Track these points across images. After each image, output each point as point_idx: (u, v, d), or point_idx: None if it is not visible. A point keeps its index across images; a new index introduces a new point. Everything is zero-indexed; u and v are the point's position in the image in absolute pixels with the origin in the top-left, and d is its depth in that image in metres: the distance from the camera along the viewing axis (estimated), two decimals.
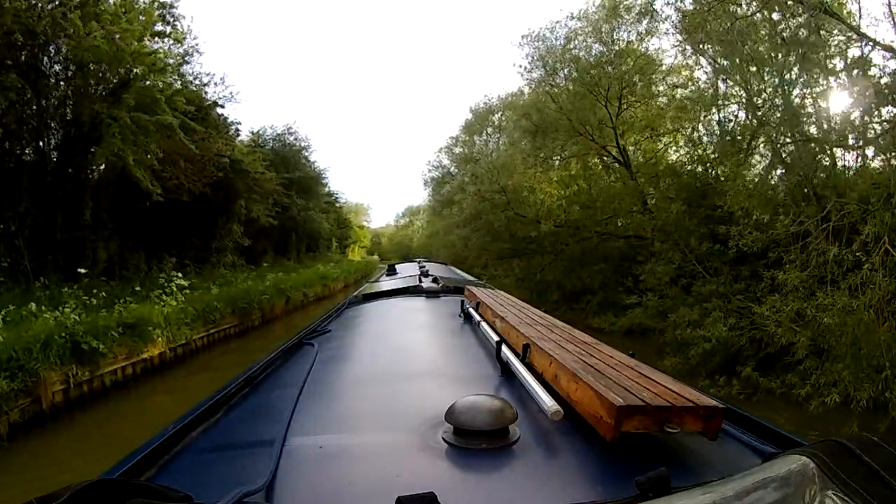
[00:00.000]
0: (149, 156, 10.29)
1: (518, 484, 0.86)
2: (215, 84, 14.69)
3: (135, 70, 10.16)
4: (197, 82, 14.07)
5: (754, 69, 7.97)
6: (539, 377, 1.23)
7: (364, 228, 48.54)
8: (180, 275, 10.36)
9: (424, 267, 6.49)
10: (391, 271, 6.79)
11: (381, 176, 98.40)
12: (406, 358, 1.80)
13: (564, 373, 1.12)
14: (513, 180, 13.57)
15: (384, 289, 3.75)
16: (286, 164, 21.89)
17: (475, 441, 0.93)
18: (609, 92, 11.37)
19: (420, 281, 4.10)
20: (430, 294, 3.25)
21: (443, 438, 0.96)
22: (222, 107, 15.23)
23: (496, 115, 26.25)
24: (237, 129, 17.17)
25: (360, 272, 27.84)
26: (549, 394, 1.09)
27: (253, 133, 21.99)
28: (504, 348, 1.47)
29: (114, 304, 8.44)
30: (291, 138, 23.88)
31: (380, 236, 54.82)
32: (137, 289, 9.71)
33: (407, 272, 6.12)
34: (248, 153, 16.60)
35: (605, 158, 12.69)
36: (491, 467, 0.89)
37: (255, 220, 17.52)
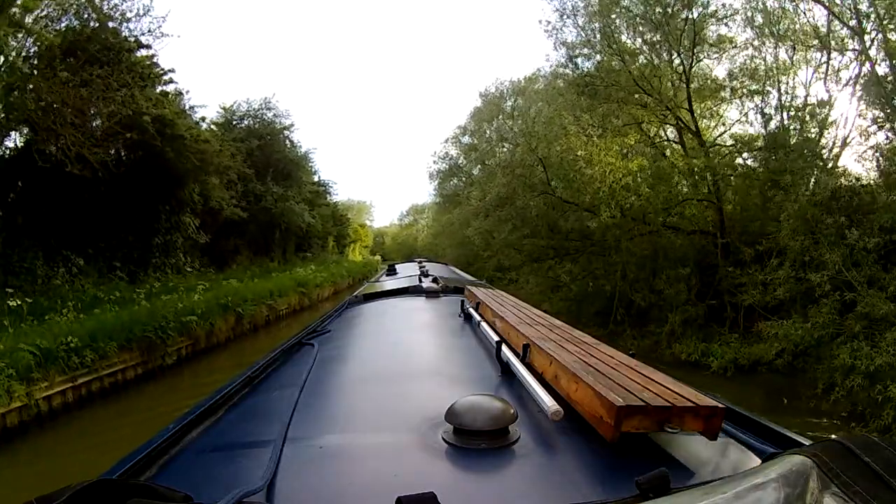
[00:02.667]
0: None
1: (518, 484, 0.86)
2: (138, 17, 10.14)
3: None
4: (115, 14, 9.89)
5: None
6: (539, 377, 1.23)
7: (365, 227, 47.72)
8: None
9: (424, 267, 6.50)
10: (391, 271, 6.80)
11: (384, 174, 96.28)
12: (406, 358, 1.80)
13: (564, 373, 1.12)
14: (561, 147, 9.34)
15: (384, 289, 3.75)
16: (261, 144, 18.69)
17: (475, 441, 0.93)
18: (682, 36, 8.50)
19: (420, 281, 4.11)
20: (430, 294, 3.25)
21: (443, 438, 0.96)
22: (147, 47, 10.75)
23: (508, 102, 23.58)
24: (172, 82, 12.86)
25: (357, 274, 23.78)
26: (549, 394, 1.09)
27: (225, 108, 18.85)
28: (504, 348, 1.47)
29: None
30: (270, 114, 19.99)
31: (383, 236, 53.60)
32: None
33: (407, 272, 6.13)
34: (182, 114, 12.47)
35: (670, 127, 9.63)
36: (491, 467, 0.89)
37: (216, 212, 14.18)
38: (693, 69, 8.95)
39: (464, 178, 24.64)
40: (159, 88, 12.28)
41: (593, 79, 9.40)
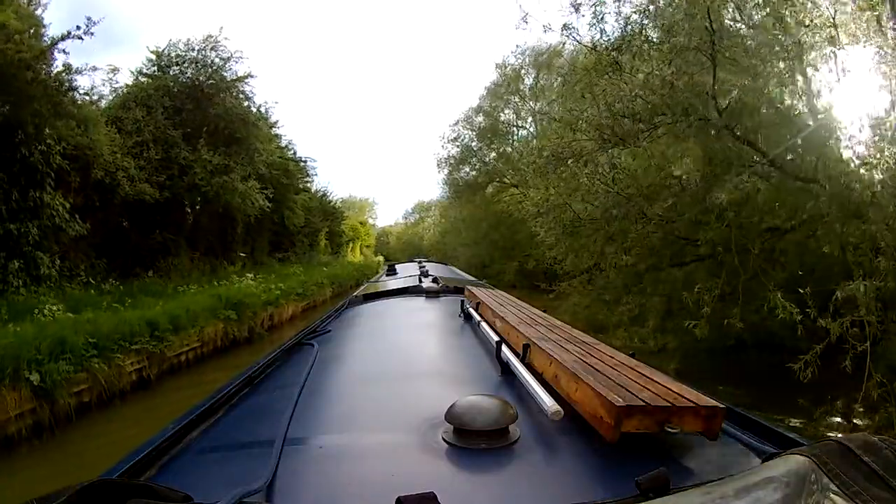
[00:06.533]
0: None
1: (518, 484, 0.86)
2: None
3: None
4: None
5: None
6: (539, 377, 1.23)
7: (367, 225, 46.40)
8: None
9: (424, 267, 6.52)
10: (391, 271, 6.82)
11: (389, 172, 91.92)
12: (406, 358, 1.80)
13: (564, 373, 1.12)
14: None
15: (384, 289, 3.76)
16: (196, 98, 12.94)
17: (475, 441, 0.94)
18: None
19: (420, 281, 4.12)
20: (430, 294, 3.26)
21: (443, 438, 0.97)
22: None
23: (526, 81, 20.16)
24: None
25: (348, 280, 18.69)
26: (549, 394, 1.09)
27: (157, 54, 13.15)
28: (504, 348, 1.47)
29: None
30: (214, 56, 13.46)
31: (387, 235, 51.42)
32: None
33: (407, 272, 6.13)
34: None
35: None
36: (491, 467, 0.89)
37: (109, 188, 9.41)
38: None
39: (478, 166, 21.21)
40: None
41: None
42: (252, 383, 1.55)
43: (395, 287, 3.72)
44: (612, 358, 1.24)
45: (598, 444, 0.92)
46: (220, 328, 9.10)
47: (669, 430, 0.88)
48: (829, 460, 0.59)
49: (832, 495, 0.56)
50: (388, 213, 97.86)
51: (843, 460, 0.59)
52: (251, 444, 1.08)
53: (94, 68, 9.07)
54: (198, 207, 12.73)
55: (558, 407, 1.01)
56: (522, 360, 1.37)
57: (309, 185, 21.77)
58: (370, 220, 48.70)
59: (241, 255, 14.76)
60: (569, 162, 6.18)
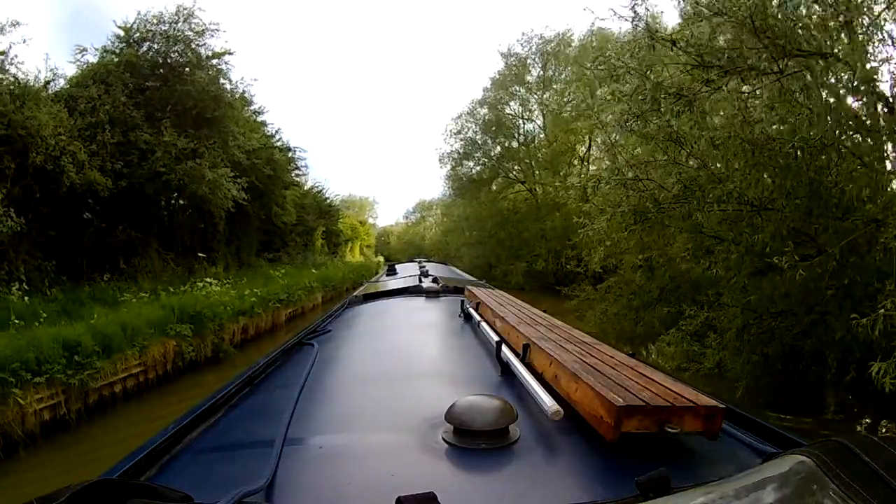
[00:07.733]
0: None
1: (518, 484, 0.86)
2: None
3: None
4: None
5: None
6: (539, 377, 1.23)
7: (367, 225, 45.56)
8: None
9: (424, 267, 6.53)
10: (391, 271, 6.83)
11: (390, 171, 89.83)
12: (406, 358, 1.80)
13: (564, 373, 1.12)
14: None
15: (384, 289, 3.76)
16: (163, 75, 11.39)
17: (475, 441, 0.94)
18: None
19: (420, 281, 4.13)
20: (430, 294, 3.27)
21: (443, 438, 0.97)
22: None
23: (534, 73, 19.03)
24: None
25: (343, 283, 17.18)
26: (549, 394, 1.09)
27: (125, 29, 11.42)
28: (504, 348, 1.47)
29: None
30: (186, 29, 11.71)
31: (388, 235, 50.72)
32: None
33: (407, 272, 6.14)
34: None
35: None
36: (491, 467, 0.89)
37: (52, 175, 7.90)
38: None
39: (482, 160, 20.16)
40: None
41: None
42: (252, 383, 1.55)
43: (395, 287, 3.72)
44: (612, 358, 1.23)
45: (598, 444, 0.92)
46: (170, 347, 7.24)
47: (669, 430, 0.87)
48: (829, 460, 0.59)
49: (832, 495, 0.56)
50: (389, 213, 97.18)
51: (843, 460, 0.59)
52: (251, 444, 1.08)
53: (17, 23, 7.64)
54: (173, 201, 11.29)
55: (558, 407, 1.01)
56: (522, 360, 1.36)
57: (301, 178, 19.91)
58: (370, 220, 48.23)
59: (201, 255, 12.22)
60: (663, 107, 4.02)
